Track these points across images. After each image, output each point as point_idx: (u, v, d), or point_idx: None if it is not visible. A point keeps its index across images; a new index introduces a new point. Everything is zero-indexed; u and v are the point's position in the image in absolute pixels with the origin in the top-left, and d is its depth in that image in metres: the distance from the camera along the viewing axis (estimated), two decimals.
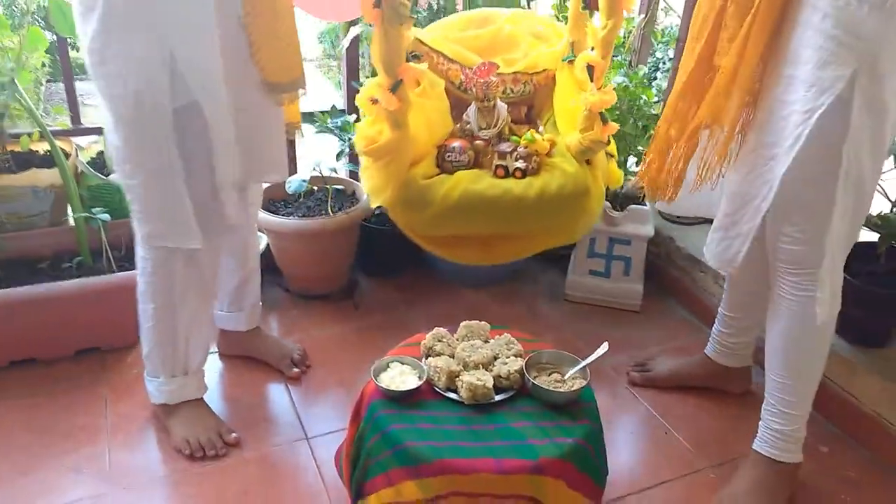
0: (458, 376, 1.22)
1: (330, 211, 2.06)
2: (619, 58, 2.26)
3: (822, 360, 1.40)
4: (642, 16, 2.28)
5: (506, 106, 1.54)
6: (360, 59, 2.23)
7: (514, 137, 1.48)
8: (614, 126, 1.40)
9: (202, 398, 1.62)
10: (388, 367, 1.27)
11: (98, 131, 2.05)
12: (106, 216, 1.82)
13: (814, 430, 1.48)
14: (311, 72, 1.79)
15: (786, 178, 1.24)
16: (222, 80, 1.29)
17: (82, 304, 1.76)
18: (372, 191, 1.38)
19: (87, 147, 2.10)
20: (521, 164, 1.39)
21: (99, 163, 2.06)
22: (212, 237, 1.41)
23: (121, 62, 1.23)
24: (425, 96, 1.49)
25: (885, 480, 1.57)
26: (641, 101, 2.11)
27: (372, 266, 2.26)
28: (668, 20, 2.58)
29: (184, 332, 1.51)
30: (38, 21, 2.62)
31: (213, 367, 1.85)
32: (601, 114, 1.37)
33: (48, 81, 2.10)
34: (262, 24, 1.33)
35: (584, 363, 1.25)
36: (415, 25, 1.64)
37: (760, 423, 1.46)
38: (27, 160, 1.93)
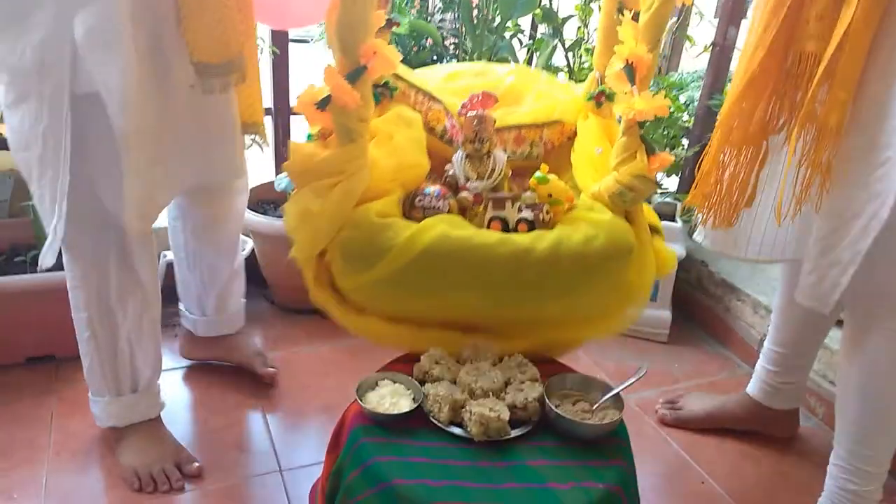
0: (463, 406, 0.99)
1: None
2: None
3: None
4: (674, 19, 2.10)
5: (505, 156, 1.14)
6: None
7: (525, 184, 1.11)
8: (667, 157, 1.01)
9: (159, 418, 1.40)
10: (378, 385, 1.04)
11: None
12: None
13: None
14: (305, 56, 1.59)
15: None
16: (132, 69, 1.06)
17: (34, 303, 1.56)
18: (294, 229, 0.97)
19: None
20: (527, 213, 1.00)
21: None
22: (144, 237, 1.27)
23: (18, 29, 1.03)
24: (396, 125, 1.13)
25: None
26: (672, 110, 1.92)
27: None
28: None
29: (126, 343, 1.32)
30: None
31: (177, 382, 1.66)
32: (646, 141, 1.00)
33: None
34: None
35: (617, 389, 1.02)
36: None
37: (828, 480, 1.23)
38: None
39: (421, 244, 0.94)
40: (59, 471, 1.35)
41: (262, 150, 1.49)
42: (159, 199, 1.25)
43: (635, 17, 1.05)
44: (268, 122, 1.79)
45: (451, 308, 1.00)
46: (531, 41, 2.21)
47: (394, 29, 1.31)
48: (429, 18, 2.10)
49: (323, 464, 1.11)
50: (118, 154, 1.10)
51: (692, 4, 2.12)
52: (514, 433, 0.98)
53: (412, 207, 1.05)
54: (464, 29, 2.03)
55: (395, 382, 1.04)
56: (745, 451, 1.53)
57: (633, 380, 1.03)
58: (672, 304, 1.94)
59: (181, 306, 1.64)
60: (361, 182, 0.97)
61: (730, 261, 1.96)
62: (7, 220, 1.72)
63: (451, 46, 2.10)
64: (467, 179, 1.09)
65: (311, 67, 1.59)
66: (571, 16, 2.14)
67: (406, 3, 2.01)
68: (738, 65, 1.18)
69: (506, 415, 0.97)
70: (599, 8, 1.47)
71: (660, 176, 2.04)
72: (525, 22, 2.19)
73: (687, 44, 2.17)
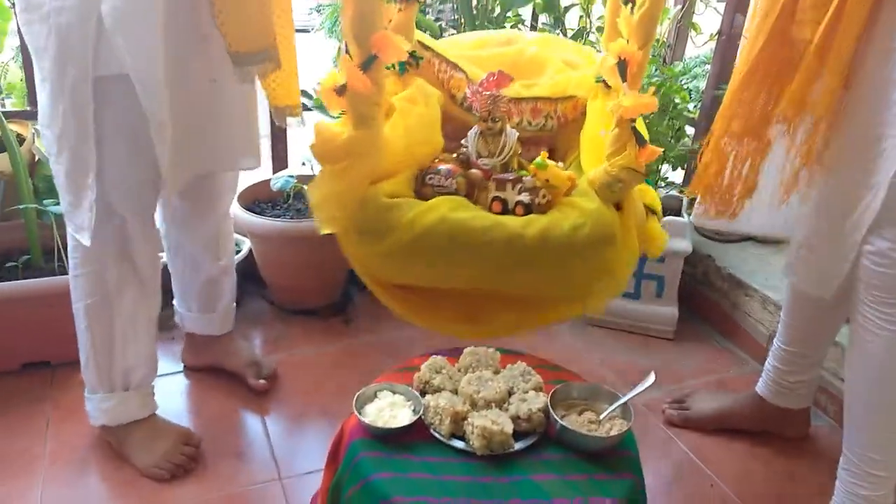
0: (465, 418, 0.96)
1: None
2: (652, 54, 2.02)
3: None
4: (678, 7, 2.05)
5: (516, 133, 1.20)
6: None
7: (523, 172, 1.14)
8: (655, 150, 1.04)
9: (154, 416, 1.42)
10: (377, 396, 1.01)
11: None
12: (59, 209, 1.57)
13: None
14: (305, 44, 1.56)
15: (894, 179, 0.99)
16: (159, 48, 1.11)
17: (28, 309, 1.55)
18: (317, 206, 1.05)
19: None
20: (524, 197, 1.05)
21: None
22: (145, 229, 1.31)
23: (45, 10, 1.07)
24: (414, 102, 1.18)
25: None
26: (677, 101, 1.88)
27: None
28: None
29: (121, 338, 1.34)
30: None
31: (176, 388, 1.64)
32: (637, 133, 1.03)
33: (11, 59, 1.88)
34: None
35: (625, 398, 0.99)
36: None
37: (838, 483, 1.21)
38: None
39: (421, 225, 0.99)
40: (53, 480, 1.34)
41: (303, 125, 1.49)
42: (171, 183, 1.26)
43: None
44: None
45: (451, 279, 1.06)
46: (532, 31, 2.16)
47: None
48: (426, 10, 2.06)
49: (322, 475, 1.08)
50: (129, 139, 1.16)
51: None
52: (518, 446, 0.95)
53: (423, 185, 1.10)
54: (463, 20, 1.99)
55: (394, 393, 1.02)
56: (754, 452, 1.50)
57: (640, 388, 1.00)
58: (679, 299, 1.91)
59: (174, 301, 1.64)
60: (374, 163, 1.04)
61: (737, 254, 1.93)
62: None
63: None
64: (479, 156, 1.15)
65: (312, 56, 1.56)
66: (574, 4, 2.10)
67: None
68: (739, 54, 1.17)
69: (509, 427, 0.95)
70: None
71: (665, 168, 2.00)
72: (526, 12, 2.15)
73: (692, 32, 2.12)
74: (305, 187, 1.87)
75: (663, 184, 2.03)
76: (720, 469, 1.45)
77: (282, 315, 1.92)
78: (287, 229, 1.77)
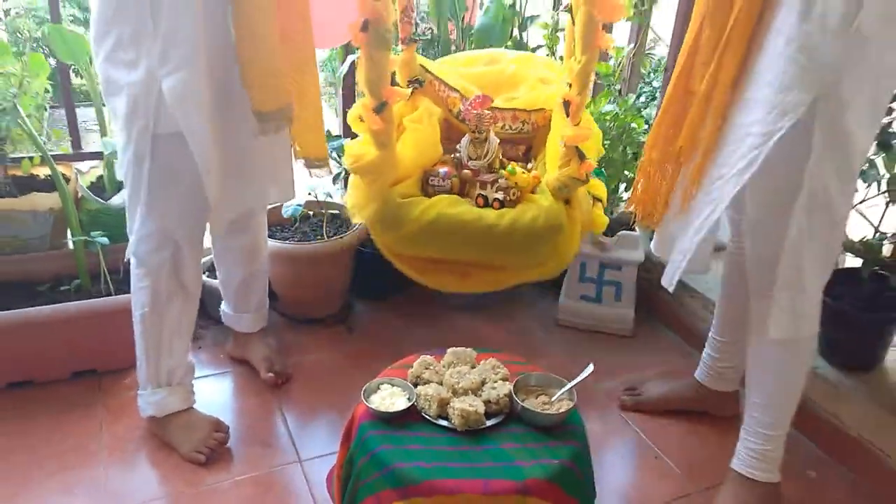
0: (448, 403, 1.24)
1: (325, 236, 2.09)
2: (609, 87, 2.31)
3: (797, 382, 1.41)
4: (631, 45, 2.34)
5: (497, 140, 1.59)
6: (357, 85, 2.28)
7: (501, 172, 1.52)
8: (591, 164, 1.41)
9: (191, 409, 1.66)
10: (379, 388, 1.29)
11: (98, 156, 2.08)
12: (104, 240, 1.84)
13: (802, 454, 1.49)
14: None
15: (746, 198, 1.28)
16: (206, 114, 1.36)
17: (79, 326, 1.77)
18: (353, 207, 1.46)
19: (87, 172, 2.13)
20: (499, 195, 1.45)
21: (99, 187, 2.09)
22: (193, 252, 1.55)
23: (121, 84, 1.34)
24: (419, 122, 1.55)
25: None
26: (631, 128, 2.15)
27: (367, 291, 2.28)
28: (660, 50, 2.63)
29: (167, 341, 1.57)
30: (41, 48, 2.67)
31: (209, 388, 1.87)
32: (578, 150, 1.39)
33: (52, 107, 2.13)
34: (244, 50, 1.36)
35: (569, 385, 1.27)
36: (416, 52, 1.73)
37: (739, 442, 1.47)
38: (28, 184, 1.96)
39: (426, 218, 1.41)
40: (113, 469, 1.57)
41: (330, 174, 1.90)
42: (219, 221, 1.57)
43: None
44: None
45: (448, 254, 1.49)
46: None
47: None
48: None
49: (337, 454, 1.35)
50: (185, 182, 1.41)
51: (648, 29, 2.36)
52: (489, 423, 1.23)
53: (426, 185, 1.51)
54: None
55: (393, 385, 1.30)
56: (693, 428, 1.77)
57: (582, 377, 1.28)
58: (637, 302, 2.17)
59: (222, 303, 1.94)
60: (391, 173, 1.45)
61: None
62: (50, 253, 1.94)
63: None
64: (469, 158, 1.55)
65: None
66: (540, 45, 2.37)
67: None
68: (665, 95, 1.42)
69: (482, 409, 1.22)
70: (564, 37, 1.80)
71: (621, 188, 2.27)
72: None
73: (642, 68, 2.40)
74: (311, 213, 2.15)
75: (619, 203, 2.31)
76: (665, 444, 1.72)
77: (292, 324, 2.15)
78: (294, 251, 2.02)
